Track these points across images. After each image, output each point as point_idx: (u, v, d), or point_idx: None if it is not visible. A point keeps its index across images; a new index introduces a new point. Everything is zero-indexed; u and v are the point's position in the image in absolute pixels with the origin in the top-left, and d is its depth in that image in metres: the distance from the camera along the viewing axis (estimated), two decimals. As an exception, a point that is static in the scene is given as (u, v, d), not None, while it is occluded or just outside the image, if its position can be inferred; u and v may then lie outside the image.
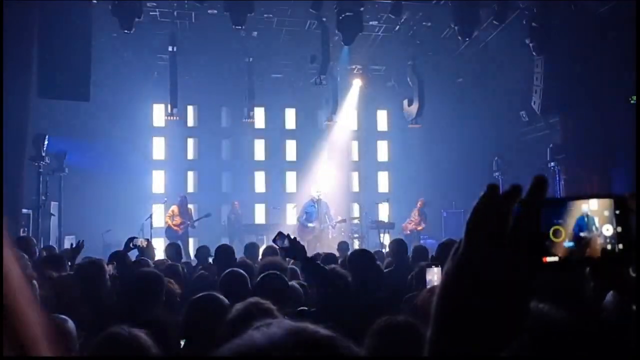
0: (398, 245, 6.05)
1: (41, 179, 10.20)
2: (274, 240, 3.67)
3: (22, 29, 8.99)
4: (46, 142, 10.19)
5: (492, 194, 0.65)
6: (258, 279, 3.33)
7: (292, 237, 3.65)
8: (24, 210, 9.82)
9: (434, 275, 3.12)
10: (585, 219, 0.66)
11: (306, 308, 3.23)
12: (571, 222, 0.66)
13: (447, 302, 0.64)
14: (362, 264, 3.90)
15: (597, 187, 10.43)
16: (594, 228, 0.66)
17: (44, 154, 10.13)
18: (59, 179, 11.14)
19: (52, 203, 11.26)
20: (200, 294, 2.96)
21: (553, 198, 0.66)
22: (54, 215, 11.29)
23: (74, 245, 5.37)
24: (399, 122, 14.99)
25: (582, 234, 0.66)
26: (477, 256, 0.63)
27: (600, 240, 0.65)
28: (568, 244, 0.66)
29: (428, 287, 2.63)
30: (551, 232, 0.66)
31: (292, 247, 3.56)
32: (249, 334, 0.66)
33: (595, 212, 0.66)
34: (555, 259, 0.66)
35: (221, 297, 2.89)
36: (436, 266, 3.19)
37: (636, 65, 8.53)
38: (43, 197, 10.25)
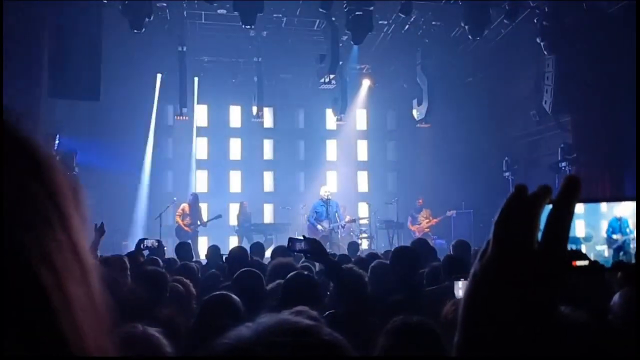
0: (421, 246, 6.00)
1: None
2: (289, 248, 3.51)
3: (33, 29, 9.06)
4: (57, 142, 10.23)
5: (520, 194, 0.64)
6: (286, 279, 3.25)
7: (309, 238, 3.50)
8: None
9: (461, 290, 3.04)
10: (618, 222, 0.64)
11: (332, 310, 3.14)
12: (603, 224, 0.64)
13: (475, 305, 0.63)
14: (405, 262, 3.82)
15: (609, 187, 10.34)
16: (627, 231, 0.64)
17: (54, 154, 10.17)
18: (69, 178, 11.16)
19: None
20: (213, 294, 2.95)
21: (585, 199, 0.64)
22: None
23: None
24: (408, 121, 14.95)
25: (614, 237, 0.64)
26: (506, 259, 0.62)
27: (633, 245, 0.64)
28: (600, 247, 0.64)
29: (452, 300, 2.58)
30: (582, 234, 0.64)
31: (312, 250, 3.42)
32: (236, 329, 0.69)
33: (628, 214, 0.64)
34: (586, 262, 0.64)
35: (234, 297, 2.88)
36: (465, 279, 3.12)
37: (636, 65, 8.47)
38: None
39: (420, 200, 13.10)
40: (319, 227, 11.45)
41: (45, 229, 0.45)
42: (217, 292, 2.96)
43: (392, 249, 4.77)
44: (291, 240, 3.48)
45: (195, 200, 12.39)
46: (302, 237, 3.47)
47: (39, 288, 0.43)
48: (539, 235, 0.61)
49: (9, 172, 0.44)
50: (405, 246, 4.85)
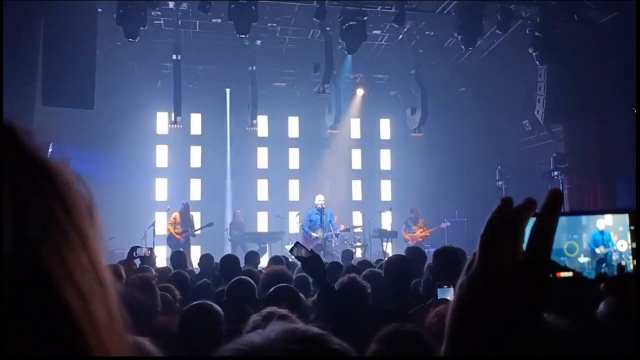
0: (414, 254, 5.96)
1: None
2: (290, 251, 3.50)
3: (28, 37, 9.03)
4: (50, 150, 10.18)
5: (506, 207, 0.65)
6: (270, 290, 3.25)
7: (315, 253, 3.47)
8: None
9: (448, 296, 3.05)
10: (601, 235, 0.66)
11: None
12: (586, 237, 0.66)
13: (462, 316, 0.64)
14: (400, 271, 3.80)
15: (601, 197, 10.40)
16: (609, 244, 0.65)
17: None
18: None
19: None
20: (193, 303, 2.96)
21: (568, 212, 0.66)
22: None
23: None
24: (402, 130, 15.00)
25: (597, 250, 0.65)
26: (492, 270, 0.63)
27: (615, 256, 0.65)
28: (583, 259, 0.65)
29: (437, 308, 2.59)
30: (565, 247, 0.66)
31: (311, 264, 3.38)
32: (247, 335, 0.70)
33: (611, 227, 0.66)
34: (569, 274, 0.65)
35: (215, 306, 2.88)
36: (448, 286, 3.12)
37: (636, 72, 8.55)
38: None
39: (417, 209, 13.07)
40: (314, 234, 11.44)
41: (69, 252, 0.45)
42: (198, 302, 2.96)
43: (386, 258, 4.76)
44: (297, 244, 3.47)
45: (186, 209, 12.37)
46: (310, 250, 3.45)
47: (68, 312, 0.43)
48: (524, 247, 0.63)
49: (35, 199, 0.45)
50: (399, 255, 4.84)
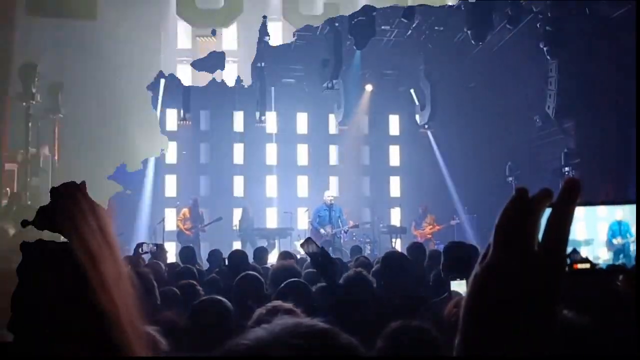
0: (416, 250, 5.96)
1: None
2: (302, 246, 3.55)
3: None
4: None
5: (521, 198, 0.64)
6: (281, 286, 3.25)
7: (325, 250, 3.49)
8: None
9: (461, 287, 3.05)
10: (619, 225, 0.64)
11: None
12: (604, 228, 0.64)
13: (476, 307, 0.63)
14: (397, 266, 3.81)
15: (612, 192, 10.31)
16: (627, 235, 0.64)
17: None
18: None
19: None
20: (203, 298, 2.97)
21: (585, 202, 0.65)
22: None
23: None
24: (411, 126, 14.94)
25: (614, 241, 0.64)
26: (507, 261, 0.62)
27: (633, 247, 0.64)
28: (600, 250, 0.64)
29: (456, 298, 2.59)
30: (582, 237, 0.64)
31: (322, 260, 3.40)
32: (253, 330, 0.70)
33: (629, 217, 0.65)
34: (587, 265, 0.64)
35: (225, 300, 2.89)
36: (460, 278, 3.12)
37: (636, 68, 8.47)
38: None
39: (423, 208, 13.03)
40: (322, 231, 11.43)
41: (87, 230, 0.66)
42: (208, 296, 2.98)
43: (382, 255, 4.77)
44: (308, 240, 3.48)
45: (195, 204, 12.39)
46: (321, 247, 3.47)
47: (80, 267, 0.61)
48: (540, 237, 0.62)
49: (66, 202, 0.69)
50: (394, 251, 4.86)
